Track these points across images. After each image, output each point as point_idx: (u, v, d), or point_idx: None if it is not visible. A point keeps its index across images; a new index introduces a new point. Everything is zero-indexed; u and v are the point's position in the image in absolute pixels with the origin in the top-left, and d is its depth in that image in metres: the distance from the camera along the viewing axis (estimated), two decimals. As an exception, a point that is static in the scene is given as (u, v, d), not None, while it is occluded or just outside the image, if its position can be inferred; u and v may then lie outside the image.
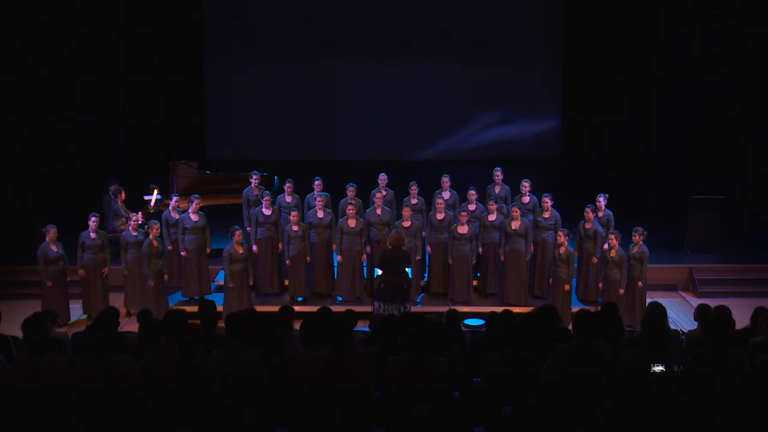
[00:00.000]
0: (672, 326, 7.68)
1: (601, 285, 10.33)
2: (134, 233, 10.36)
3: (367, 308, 9.62)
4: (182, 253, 10.62)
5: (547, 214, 10.72)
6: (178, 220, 10.72)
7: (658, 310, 6.36)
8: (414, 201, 11.11)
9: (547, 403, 5.32)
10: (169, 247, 10.81)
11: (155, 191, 12.29)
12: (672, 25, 15.37)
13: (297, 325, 6.65)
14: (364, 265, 10.74)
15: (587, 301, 10.68)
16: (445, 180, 11.38)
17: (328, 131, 17.89)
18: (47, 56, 14.61)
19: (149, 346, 6.27)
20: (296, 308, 8.06)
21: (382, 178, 11.36)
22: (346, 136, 17.92)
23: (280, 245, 10.74)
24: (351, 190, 11.05)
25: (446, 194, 11.28)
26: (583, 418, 5.26)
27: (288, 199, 11.16)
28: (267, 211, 10.72)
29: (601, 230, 10.51)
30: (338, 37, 17.47)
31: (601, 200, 10.86)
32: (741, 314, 6.87)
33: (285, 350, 5.48)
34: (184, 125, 17.13)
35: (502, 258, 10.54)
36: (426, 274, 11.09)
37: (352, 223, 10.53)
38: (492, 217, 10.63)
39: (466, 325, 8.78)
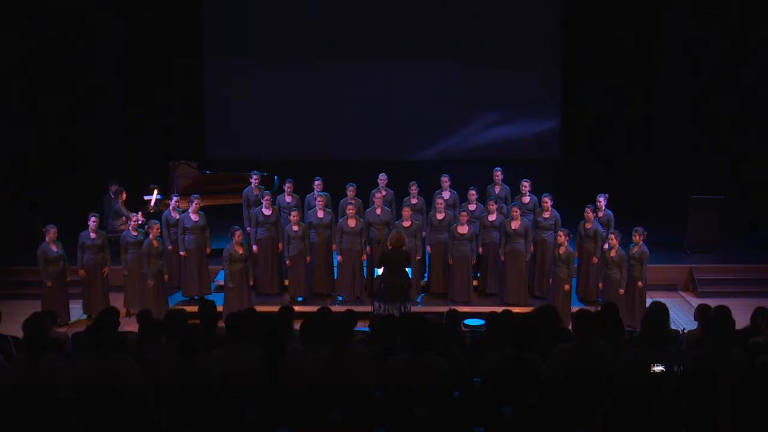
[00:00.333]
0: (672, 326, 7.67)
1: (601, 285, 10.34)
2: (134, 233, 10.36)
3: (367, 308, 9.62)
4: (182, 253, 10.62)
5: (547, 214, 10.72)
6: (178, 220, 10.72)
7: (659, 310, 6.35)
8: (414, 201, 11.11)
9: (547, 403, 5.32)
10: (170, 247, 10.81)
11: (155, 191, 12.30)
12: (672, 25, 15.37)
13: (297, 325, 6.64)
14: (364, 265, 10.74)
15: (587, 301, 10.68)
16: (445, 180, 11.38)
17: (328, 131, 17.89)
18: (47, 56, 14.62)
19: (149, 346, 6.27)
20: (296, 308, 8.06)
21: (382, 178, 11.36)
22: (346, 136, 17.92)
23: (280, 245, 10.74)
24: (351, 190, 11.05)
25: (446, 194, 11.28)
26: (583, 418, 5.26)
27: (288, 199, 11.16)
28: (267, 211, 10.72)
29: (601, 230, 10.52)
30: (338, 37, 17.47)
31: (601, 200, 10.86)
32: (741, 314, 6.87)
33: (285, 350, 5.48)
34: (184, 125, 17.13)
35: (502, 258, 10.54)
36: (426, 274, 11.09)
37: (351, 223, 10.53)
38: (492, 217, 10.63)
39: (466, 325, 8.78)
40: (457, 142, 18.06)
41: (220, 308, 8.38)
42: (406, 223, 10.45)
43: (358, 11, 17.45)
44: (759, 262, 12.09)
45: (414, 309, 9.83)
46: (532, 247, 10.61)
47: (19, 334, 6.01)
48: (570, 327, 6.30)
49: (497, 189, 11.56)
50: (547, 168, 17.17)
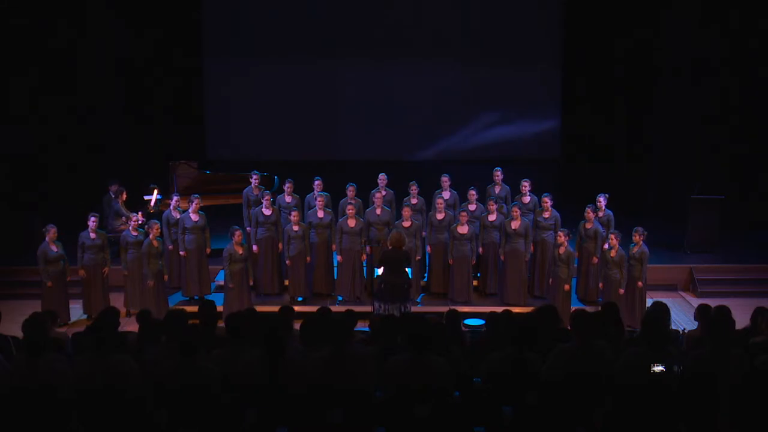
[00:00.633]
0: (672, 326, 7.67)
1: (601, 285, 10.33)
2: (134, 233, 10.36)
3: (367, 308, 9.62)
4: (181, 253, 10.62)
5: (547, 214, 10.72)
6: (178, 219, 10.72)
7: (660, 310, 6.35)
8: (414, 201, 11.11)
9: (547, 403, 5.32)
10: (170, 247, 10.81)
11: (155, 191, 12.29)
12: (672, 25, 15.37)
13: (297, 325, 6.64)
14: (364, 265, 10.74)
15: (587, 301, 10.68)
16: (445, 180, 11.38)
17: (328, 131, 17.90)
18: (47, 56, 14.62)
19: (149, 346, 6.27)
20: (296, 308, 8.05)
21: (382, 178, 11.36)
22: (346, 136, 17.93)
23: (280, 245, 10.74)
24: (351, 190, 11.05)
25: (446, 194, 11.28)
26: (583, 418, 5.27)
27: (288, 199, 11.16)
28: (267, 211, 10.72)
29: (601, 230, 10.51)
30: (338, 37, 17.48)
31: (601, 200, 10.86)
32: (741, 314, 6.87)
33: (285, 350, 5.48)
34: (184, 125, 17.13)
35: (502, 258, 10.54)
36: (426, 274, 11.08)
37: (351, 223, 10.53)
38: (492, 217, 10.63)
39: (466, 325, 8.78)
40: (457, 142, 18.07)
41: (220, 308, 8.38)
42: (406, 223, 10.45)
43: (358, 11, 17.46)
44: (759, 262, 12.09)
45: (414, 309, 9.83)
46: (532, 247, 10.61)
47: (19, 334, 6.01)
48: (569, 327, 6.30)
49: (497, 189, 11.56)
50: (547, 168, 17.18)
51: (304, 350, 5.97)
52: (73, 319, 10.49)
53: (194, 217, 10.61)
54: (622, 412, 5.22)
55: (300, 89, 17.69)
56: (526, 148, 17.81)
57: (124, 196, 12.19)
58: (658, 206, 14.72)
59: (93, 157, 15.41)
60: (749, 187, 14.14)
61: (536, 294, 10.85)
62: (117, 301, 10.29)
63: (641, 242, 9.93)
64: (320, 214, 10.72)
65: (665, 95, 15.65)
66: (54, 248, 10.12)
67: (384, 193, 11.15)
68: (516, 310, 8.46)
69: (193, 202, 10.61)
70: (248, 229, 10.99)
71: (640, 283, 9.96)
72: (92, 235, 10.32)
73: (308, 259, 10.61)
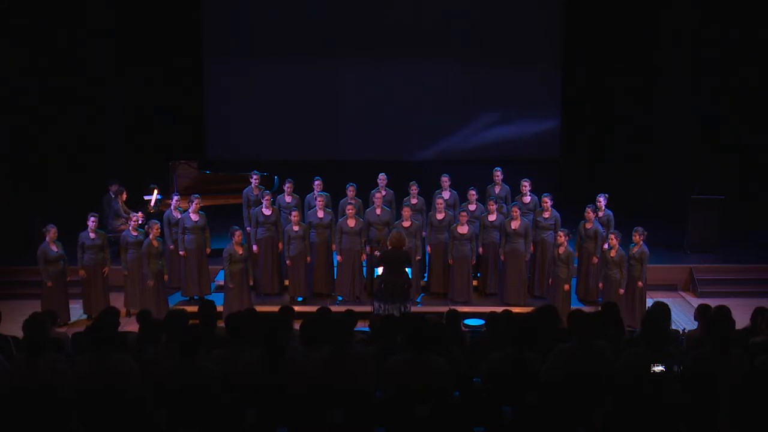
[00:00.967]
0: (672, 326, 7.67)
1: (601, 285, 10.33)
2: (134, 233, 10.36)
3: (367, 308, 9.62)
4: (181, 253, 10.62)
5: (547, 214, 10.72)
6: (179, 219, 10.72)
7: (660, 310, 6.34)
8: (414, 201, 11.11)
9: (547, 403, 5.32)
10: (171, 247, 10.81)
11: (155, 191, 12.30)
12: (672, 24, 15.37)
13: (297, 325, 6.64)
14: (364, 265, 10.74)
15: (587, 301, 10.68)
16: (445, 180, 11.38)
17: (328, 131, 17.90)
18: (47, 56, 14.61)
19: (149, 346, 6.27)
20: (296, 308, 8.05)
21: (382, 178, 11.36)
22: (346, 136, 17.92)
23: (280, 245, 10.74)
24: (351, 190, 11.05)
25: (446, 194, 11.28)
26: (583, 418, 5.26)
27: (288, 199, 11.16)
28: (267, 211, 10.72)
29: (602, 230, 10.51)
30: (338, 37, 17.47)
31: (601, 200, 10.86)
32: (741, 314, 6.87)
33: (285, 350, 5.47)
34: (185, 125, 17.13)
35: (502, 258, 10.54)
36: (426, 274, 11.08)
37: (351, 223, 10.53)
38: (492, 217, 10.63)
39: (466, 325, 8.78)
40: (457, 142, 18.06)
41: (220, 308, 8.39)
42: (406, 223, 10.45)
43: (358, 11, 17.46)
44: (759, 262, 12.09)
45: (414, 309, 9.82)
46: (532, 247, 10.61)
47: (19, 334, 6.01)
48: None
49: (497, 189, 11.56)
50: (547, 168, 17.17)
51: (304, 350, 5.97)
52: (73, 319, 10.49)
53: (194, 217, 10.61)
54: (622, 412, 5.22)
55: (300, 89, 17.68)
56: (526, 148, 17.81)
57: (124, 196, 12.19)
58: (658, 206, 14.72)
59: (93, 157, 15.41)
60: (749, 187, 14.14)
61: (536, 294, 10.85)
62: (117, 301, 10.28)
63: (641, 242, 9.92)
64: (320, 214, 10.72)
65: (665, 95, 15.65)
66: (54, 248, 10.12)
67: (384, 193, 11.15)
68: (516, 310, 8.46)
69: (193, 202, 10.61)
70: (248, 229, 10.99)
71: (640, 283, 9.96)
72: (92, 235, 10.32)
73: (308, 259, 10.62)
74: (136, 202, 12.29)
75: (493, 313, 7.12)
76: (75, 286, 10.53)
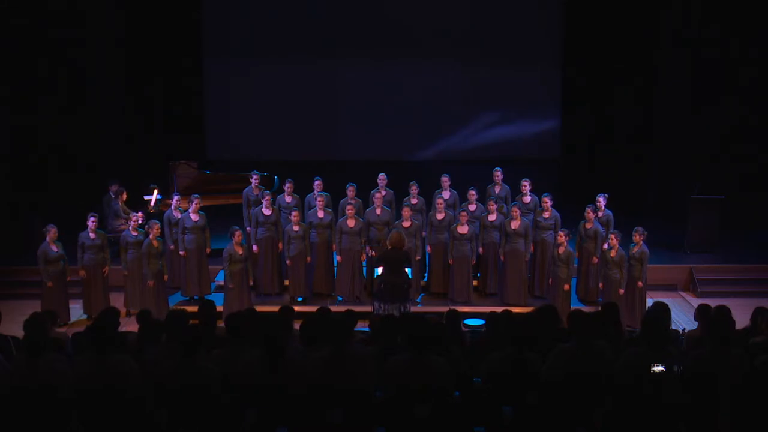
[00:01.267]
0: (672, 326, 7.67)
1: (601, 285, 10.33)
2: (134, 233, 10.36)
3: (367, 308, 9.62)
4: (181, 253, 10.62)
5: (547, 214, 10.73)
6: (179, 219, 10.71)
7: (660, 310, 6.35)
8: (414, 201, 11.11)
9: (547, 403, 5.32)
10: (171, 247, 10.81)
11: (155, 191, 12.30)
12: (672, 25, 15.37)
13: (297, 325, 6.64)
14: (364, 265, 10.74)
15: (587, 301, 10.68)
16: (445, 180, 11.38)
17: (328, 131, 17.89)
18: (46, 56, 14.61)
19: (149, 346, 6.27)
20: (296, 308, 8.06)
21: (382, 178, 11.36)
22: (346, 136, 17.91)
23: (280, 245, 10.74)
24: (351, 190, 11.05)
25: (446, 194, 11.28)
26: (583, 418, 5.26)
27: (288, 199, 11.16)
28: (267, 211, 10.72)
29: (601, 230, 10.52)
30: (338, 37, 17.47)
31: (601, 200, 10.86)
32: (741, 314, 6.87)
33: (285, 350, 5.47)
34: (184, 125, 17.13)
35: (502, 258, 10.54)
36: (426, 274, 11.08)
37: (351, 223, 10.53)
38: (492, 217, 10.63)
39: (466, 325, 8.78)
40: (457, 142, 18.06)
41: (220, 308, 8.39)
42: (406, 223, 10.45)
43: (358, 11, 17.45)
44: (759, 262, 12.09)
45: (414, 309, 9.83)
46: (531, 247, 10.61)
47: (19, 334, 6.01)
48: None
49: (497, 189, 11.57)
50: (547, 168, 17.17)
51: (304, 350, 5.97)
52: (73, 319, 10.49)
53: (194, 217, 10.61)
54: (622, 412, 5.22)
55: (300, 89, 17.68)
56: (526, 148, 17.80)
57: (124, 196, 12.19)
58: (658, 206, 14.72)
59: (93, 157, 15.40)
60: (749, 187, 14.14)
61: (536, 294, 10.85)
62: (117, 301, 10.29)
63: (641, 242, 9.93)
64: (320, 214, 10.72)
65: (665, 95, 15.65)
66: (54, 248, 10.12)
67: (384, 193, 11.15)
68: (516, 310, 8.46)
69: (193, 202, 10.61)
70: (248, 229, 10.99)
71: (640, 283, 9.96)
72: (92, 235, 10.32)
73: (308, 259, 10.62)
74: (136, 202, 12.28)
75: (493, 313, 7.13)
76: (75, 286, 10.54)
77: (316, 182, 11.18)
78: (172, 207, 10.96)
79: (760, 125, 14.41)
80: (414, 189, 11.17)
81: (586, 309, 9.87)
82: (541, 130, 18.04)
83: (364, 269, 10.76)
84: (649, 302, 9.51)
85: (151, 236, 10.18)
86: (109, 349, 5.47)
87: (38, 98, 14.56)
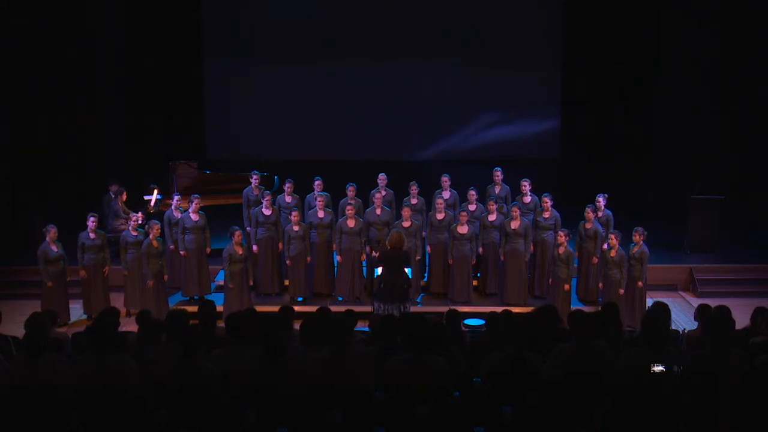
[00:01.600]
0: (672, 326, 7.67)
1: (601, 285, 10.34)
2: (134, 233, 10.36)
3: (367, 308, 9.62)
4: (182, 253, 10.62)
5: (547, 214, 10.73)
6: (179, 219, 10.71)
7: (660, 310, 6.35)
8: (414, 201, 11.11)
9: (547, 403, 5.32)
10: (171, 247, 10.81)
11: (155, 191, 12.30)
12: (672, 25, 15.37)
13: (297, 325, 6.64)
14: (364, 265, 10.74)
15: (587, 301, 10.68)
16: (445, 180, 11.38)
17: (328, 131, 17.89)
18: (47, 55, 14.61)
19: (149, 346, 6.27)
20: (296, 308, 8.06)
21: (382, 178, 11.36)
22: (346, 136, 17.91)
23: (280, 245, 10.74)
24: (351, 190, 11.05)
25: (446, 194, 11.28)
26: (583, 418, 5.26)
27: (288, 199, 11.16)
28: (267, 211, 10.72)
29: (601, 230, 10.52)
30: (338, 37, 17.46)
31: (601, 200, 10.86)
32: (741, 314, 6.86)
33: (285, 350, 5.47)
34: (184, 125, 17.13)
35: (502, 258, 10.54)
36: (426, 274, 11.08)
37: (351, 223, 10.53)
38: (492, 217, 10.63)
39: (466, 325, 8.78)
40: (457, 142, 18.05)
41: (220, 308, 8.39)
42: (406, 223, 10.45)
43: (358, 11, 17.44)
44: (759, 262, 12.10)
45: (414, 309, 9.84)
46: (531, 247, 10.61)
47: (19, 334, 6.01)
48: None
49: (497, 189, 11.57)
50: (547, 168, 17.16)
51: (304, 350, 5.97)
52: (73, 319, 10.50)
53: (194, 216, 10.61)
54: (622, 412, 5.22)
55: (300, 89, 17.66)
56: (526, 148, 17.79)
57: (124, 196, 12.19)
58: (658, 206, 14.72)
59: (93, 157, 15.40)
60: (749, 187, 14.14)
61: (536, 294, 10.86)
62: (117, 301, 10.29)
63: (641, 242, 9.93)
64: (320, 214, 10.72)
65: (665, 95, 15.65)
66: (54, 248, 10.12)
67: (384, 193, 11.15)
68: (516, 310, 8.47)
69: (192, 202, 10.61)
70: (248, 229, 10.99)
71: (640, 283, 9.96)
72: (92, 236, 10.32)
73: (308, 259, 10.62)
74: (136, 202, 12.28)
75: (493, 313, 7.13)
76: (75, 286, 10.54)
77: (316, 182, 11.18)
78: (173, 207, 10.96)
79: (761, 125, 14.39)
80: (414, 189, 11.17)
81: (586, 309, 9.87)
82: (541, 130, 18.02)
83: (364, 269, 10.76)
84: (649, 302, 9.51)
85: (151, 236, 10.18)
86: (109, 349, 5.47)
87: (38, 98, 14.54)
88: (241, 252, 10.09)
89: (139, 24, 16.30)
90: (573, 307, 10.02)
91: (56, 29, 14.62)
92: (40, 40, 14.40)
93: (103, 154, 15.56)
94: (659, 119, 15.91)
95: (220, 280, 10.89)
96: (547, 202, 10.69)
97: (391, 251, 9.31)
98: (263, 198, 10.82)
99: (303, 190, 11.31)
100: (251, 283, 10.45)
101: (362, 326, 7.75)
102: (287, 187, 11.17)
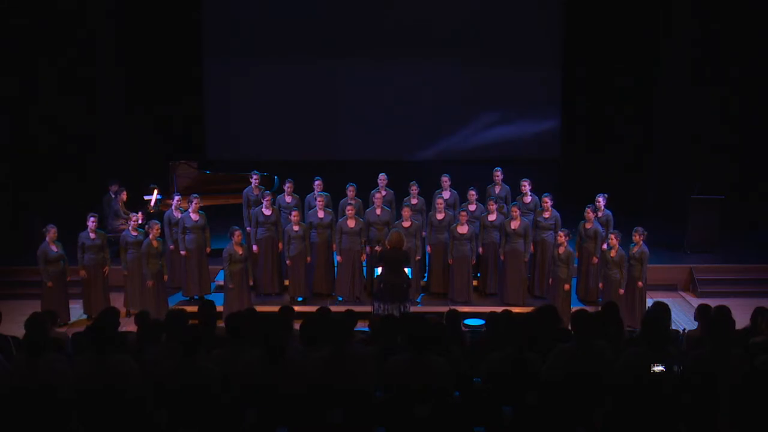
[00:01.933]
0: (672, 326, 7.67)
1: (601, 285, 10.34)
2: (134, 233, 10.36)
3: (367, 308, 9.62)
4: (182, 253, 10.62)
5: (547, 214, 10.73)
6: (179, 219, 10.71)
7: (661, 310, 6.35)
8: (414, 201, 11.11)
9: (547, 403, 5.32)
10: (171, 247, 10.81)
11: (155, 191, 12.30)
12: (672, 24, 15.37)
13: (297, 325, 6.64)
14: (364, 265, 10.74)
15: (587, 301, 10.68)
16: (445, 180, 11.38)
17: (328, 131, 17.89)
18: (46, 55, 14.61)
19: (149, 346, 6.27)
20: (296, 308, 8.06)
21: (382, 178, 11.36)
22: (346, 136, 17.91)
23: (280, 245, 10.74)
24: (351, 190, 11.05)
25: (446, 194, 11.28)
26: (583, 418, 5.26)
27: (288, 199, 11.16)
28: (267, 211, 10.72)
29: (601, 230, 10.52)
30: (338, 37, 17.46)
31: (601, 200, 10.86)
32: (741, 314, 6.86)
33: (285, 350, 5.47)
34: (184, 125, 17.13)
35: (502, 258, 10.54)
36: (426, 274, 11.08)
37: (351, 223, 10.53)
38: (492, 217, 10.63)
39: (466, 325, 8.78)
40: (457, 142, 18.06)
41: (220, 308, 8.39)
42: (406, 223, 10.45)
43: (358, 11, 17.45)
44: (759, 262, 12.10)
45: (414, 309, 9.83)
46: (531, 247, 10.61)
47: (19, 334, 6.01)
48: (570, 327, 6.30)
49: (497, 189, 11.57)
50: (547, 168, 17.16)
51: (304, 350, 5.97)
52: (73, 319, 10.50)
53: (194, 216, 10.62)
54: (622, 412, 5.22)
55: (300, 89, 17.67)
56: (526, 148, 17.80)
57: (124, 196, 12.19)
58: (658, 206, 14.72)
59: (93, 157, 15.40)
60: (749, 187, 14.14)
61: (536, 294, 10.86)
62: (117, 301, 10.30)
63: (641, 242, 9.93)
64: (320, 214, 10.72)
65: (665, 95, 15.64)
66: (54, 248, 10.13)
67: (384, 193, 11.15)
68: (516, 310, 8.47)
69: (192, 202, 10.61)
70: (248, 229, 11.00)
71: (640, 283, 9.96)
72: (92, 236, 10.32)
73: (308, 259, 10.62)
74: (136, 202, 12.28)
75: (493, 313, 7.13)
76: (75, 286, 10.54)
77: (316, 182, 11.18)
78: (173, 207, 10.96)
79: (761, 125, 14.40)
80: (414, 189, 11.17)
81: (586, 309, 9.87)
82: (541, 130, 18.03)
83: (364, 269, 10.76)
84: (649, 302, 9.51)
85: (151, 236, 10.18)
86: (109, 349, 5.47)
87: (38, 98, 14.55)
88: (241, 252, 10.10)
89: (140, 24, 16.31)
90: (574, 307, 10.03)
91: (56, 29, 14.62)
92: (40, 39, 14.40)
93: (103, 154, 15.56)
94: (659, 119, 15.91)
95: (220, 280, 10.89)
96: (547, 202, 10.69)
97: (391, 251, 9.31)
98: (263, 198, 10.82)
99: (303, 190, 11.31)
100: (251, 283, 10.45)
101: (362, 326, 7.75)
102: (287, 187, 11.17)
